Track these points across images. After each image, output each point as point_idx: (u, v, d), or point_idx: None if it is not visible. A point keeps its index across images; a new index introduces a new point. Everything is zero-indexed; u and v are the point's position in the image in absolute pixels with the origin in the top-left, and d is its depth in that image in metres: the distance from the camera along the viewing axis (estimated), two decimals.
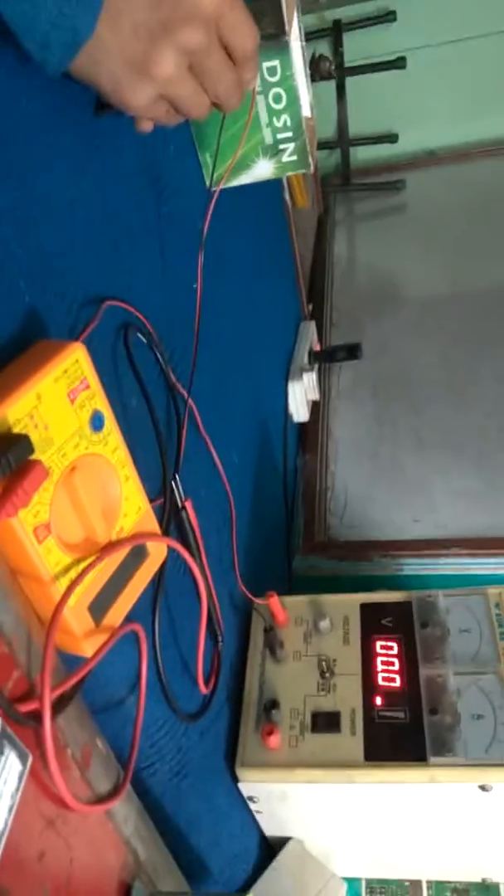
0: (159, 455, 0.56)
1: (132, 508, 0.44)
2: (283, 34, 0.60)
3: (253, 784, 0.67)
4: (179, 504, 0.57)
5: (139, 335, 0.54)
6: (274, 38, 0.60)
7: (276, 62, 0.61)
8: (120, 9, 0.37)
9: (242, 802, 0.70)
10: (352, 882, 0.79)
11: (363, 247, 1.97)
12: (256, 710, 0.70)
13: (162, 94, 0.42)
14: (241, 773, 0.66)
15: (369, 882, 0.80)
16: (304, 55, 0.66)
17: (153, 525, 0.47)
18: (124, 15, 0.38)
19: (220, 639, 0.65)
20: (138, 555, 0.46)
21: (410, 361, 1.48)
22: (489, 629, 0.70)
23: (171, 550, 0.52)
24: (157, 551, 0.47)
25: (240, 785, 0.67)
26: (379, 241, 1.92)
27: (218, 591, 0.69)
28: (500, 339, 1.47)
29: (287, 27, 0.60)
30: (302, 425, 1.31)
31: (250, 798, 0.69)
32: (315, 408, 1.34)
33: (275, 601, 0.74)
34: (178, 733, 0.58)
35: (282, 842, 0.75)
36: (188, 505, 0.58)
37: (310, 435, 1.31)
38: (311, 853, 0.74)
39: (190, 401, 0.62)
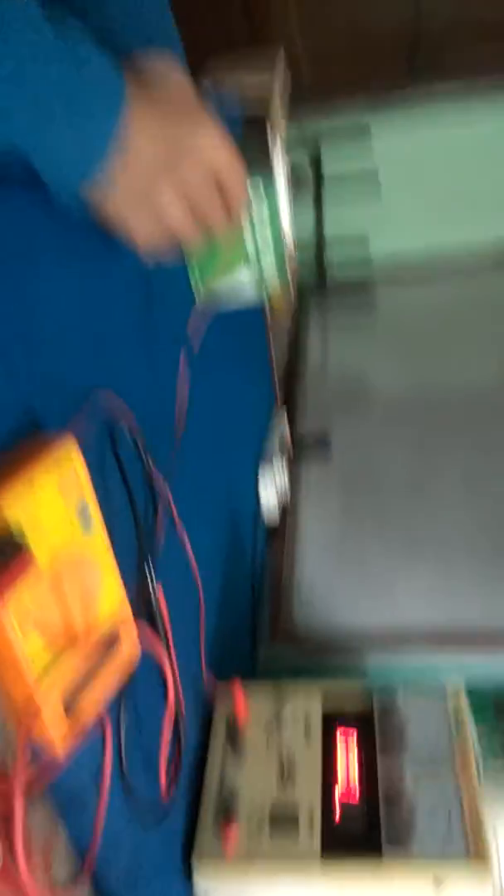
0: (137, 547, 0.59)
1: (111, 602, 0.47)
2: (270, 174, 0.68)
3: (209, 880, 0.67)
4: (152, 594, 0.60)
5: (124, 427, 0.58)
6: (262, 176, 0.68)
7: (264, 196, 0.68)
8: (128, 148, 0.44)
9: None
10: None
11: (336, 347, 2.07)
12: (216, 806, 0.70)
13: (160, 223, 0.48)
14: (198, 867, 0.66)
15: None
16: (287, 184, 0.74)
17: (129, 621, 0.49)
18: (131, 153, 0.44)
19: (181, 736, 0.66)
20: (112, 650, 0.48)
21: (377, 459, 1.54)
22: (446, 728, 0.73)
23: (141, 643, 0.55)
24: (131, 647, 0.50)
25: (195, 880, 0.67)
26: (351, 343, 2.03)
27: (182, 680, 0.71)
28: (464, 441, 1.54)
29: (274, 169, 0.68)
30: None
31: (206, 893, 0.68)
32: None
33: (238, 691, 0.76)
34: (137, 831, 0.59)
35: None
36: (160, 593, 0.60)
37: (278, 529, 1.34)
38: None
39: (167, 492, 0.65)
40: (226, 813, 0.69)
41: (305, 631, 1.14)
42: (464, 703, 0.75)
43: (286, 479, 1.34)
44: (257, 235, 0.72)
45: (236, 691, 0.76)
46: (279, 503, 1.31)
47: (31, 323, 0.47)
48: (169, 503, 0.67)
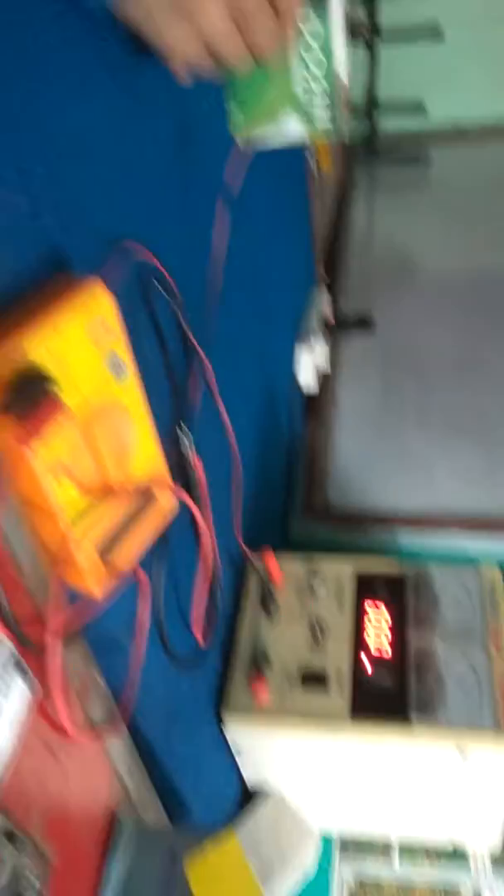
0: (172, 406, 0.57)
1: (145, 457, 0.45)
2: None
3: (238, 730, 0.69)
4: (188, 456, 0.58)
5: (156, 281, 0.54)
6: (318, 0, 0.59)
7: (317, 25, 0.60)
8: None
9: (227, 749, 0.72)
10: (326, 841, 0.82)
11: (383, 218, 1.95)
12: (247, 663, 0.72)
13: (199, 33, 0.42)
14: (228, 718, 0.68)
15: (343, 840, 0.82)
16: (345, 19, 0.65)
17: (164, 475, 0.48)
18: None
19: (216, 591, 0.66)
20: (148, 503, 0.47)
21: (422, 337, 1.48)
22: (479, 605, 0.72)
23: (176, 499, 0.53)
24: (166, 501, 0.48)
25: (226, 730, 0.69)
26: (399, 214, 1.90)
27: (217, 547, 0.71)
28: None
29: None
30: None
31: (235, 744, 0.71)
32: (323, 377, 1.35)
33: (271, 558, 0.76)
34: (172, 680, 0.60)
35: (261, 789, 0.77)
36: (195, 458, 0.59)
37: (316, 404, 1.31)
38: (290, 804, 0.76)
39: (202, 354, 0.62)
40: (256, 669, 0.70)
41: (339, 507, 1.14)
42: (499, 582, 0.74)
43: (325, 356, 1.30)
44: (309, 71, 0.64)
45: (269, 558, 0.76)
46: (317, 380, 1.27)
47: (53, 141, 0.41)
48: (204, 364, 0.64)
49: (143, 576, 0.50)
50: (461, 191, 1.91)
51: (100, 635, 0.49)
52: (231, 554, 0.76)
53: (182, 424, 0.58)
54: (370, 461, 1.22)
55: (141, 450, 0.45)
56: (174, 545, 0.59)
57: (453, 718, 0.64)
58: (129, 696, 0.49)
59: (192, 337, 0.61)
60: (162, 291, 0.55)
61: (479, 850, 0.79)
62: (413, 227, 1.83)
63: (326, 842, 0.81)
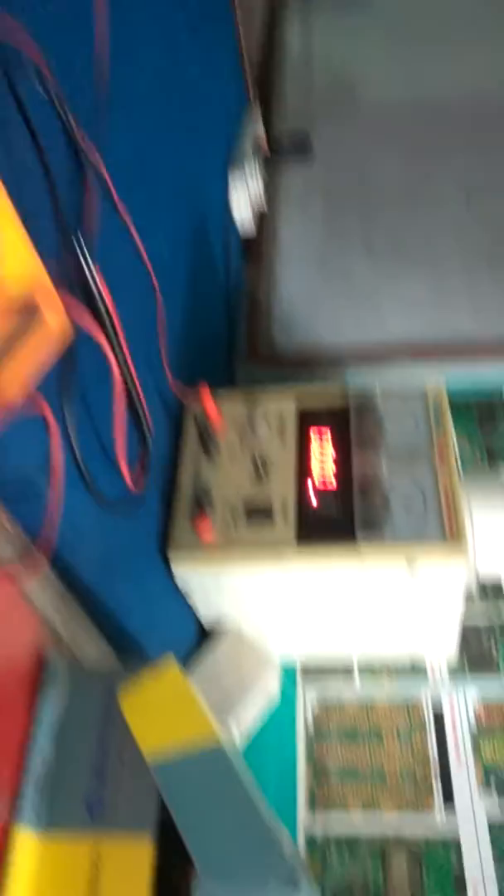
0: (56, 217, 0.49)
1: (16, 260, 0.39)
2: None
3: (186, 570, 0.68)
4: (88, 273, 0.51)
5: (24, 62, 0.45)
6: None
7: None
8: None
9: (178, 590, 0.71)
10: (287, 667, 0.84)
11: (320, 38, 1.75)
12: (189, 501, 0.69)
13: None
14: (174, 557, 0.66)
15: (304, 663, 0.84)
16: None
17: (47, 286, 0.41)
18: None
19: (147, 434, 0.62)
20: (31, 318, 0.41)
21: (365, 166, 1.37)
22: (425, 424, 0.69)
23: (81, 333, 0.47)
24: (55, 319, 0.42)
25: (173, 571, 0.68)
26: (338, 34, 1.71)
27: (146, 388, 0.65)
28: (459, 149, 1.35)
29: None
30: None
31: (184, 584, 0.70)
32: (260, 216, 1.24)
33: (207, 396, 0.71)
34: (106, 523, 0.57)
35: (218, 627, 0.77)
36: (97, 275, 0.52)
37: (254, 243, 1.22)
38: (248, 637, 0.77)
39: (98, 158, 0.54)
40: (199, 507, 0.67)
41: (284, 348, 1.08)
42: (444, 399, 0.70)
43: (261, 185, 1.19)
44: None
45: (205, 397, 0.71)
46: (254, 213, 1.17)
47: None
48: (101, 172, 0.55)
49: (46, 409, 0.45)
50: (405, 9, 1.71)
51: (10, 480, 0.45)
52: (163, 395, 0.71)
53: (78, 236, 0.51)
54: (315, 299, 1.15)
55: (10, 253, 0.38)
56: (89, 381, 0.53)
57: (400, 534, 0.63)
58: (48, 537, 0.46)
59: (80, 139, 0.52)
60: (31, 72, 0.46)
61: (437, 661, 0.81)
62: (354, 48, 1.64)
63: (288, 670, 0.82)
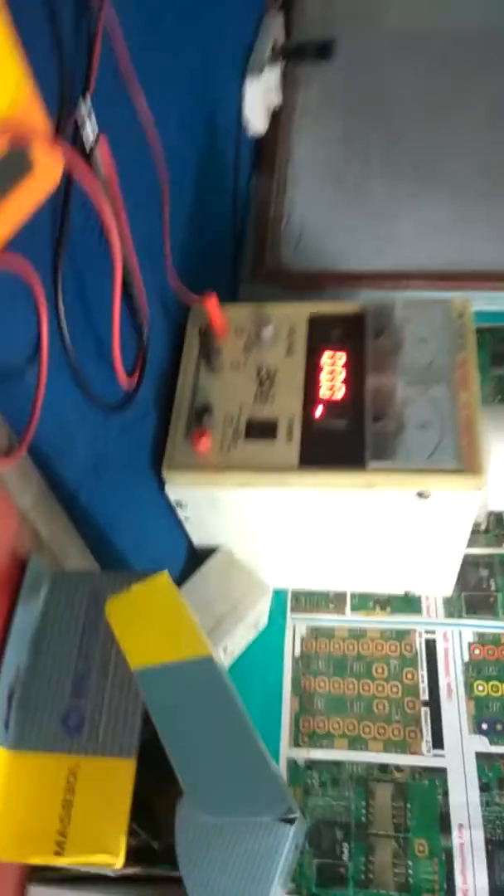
0: (57, 64, 0.42)
1: (4, 86, 0.32)
2: None
3: (180, 488, 0.63)
4: (88, 137, 0.45)
5: None
6: None
7: None
8: None
9: (170, 508, 0.67)
10: (279, 592, 0.81)
11: None
12: (187, 415, 0.64)
13: None
14: (168, 475, 0.62)
15: (296, 592, 0.81)
16: None
17: (41, 124, 0.35)
18: None
19: (144, 328, 0.56)
20: (18, 165, 0.35)
21: (390, 78, 1.27)
22: (447, 340, 0.64)
23: (76, 197, 0.41)
24: (46, 167, 0.36)
25: (167, 489, 0.63)
26: None
27: (147, 282, 0.60)
28: (488, 70, 1.26)
29: None
30: (258, 141, 1.13)
31: (178, 503, 0.66)
32: (275, 122, 1.16)
33: (213, 303, 0.65)
34: (94, 422, 0.52)
35: (211, 551, 0.74)
36: (102, 140, 0.46)
37: (267, 152, 1.14)
38: (240, 561, 0.73)
39: (112, 16, 0.46)
40: (198, 421, 0.63)
41: (293, 267, 1.02)
42: (470, 316, 0.65)
43: (277, 88, 1.10)
44: None
45: (210, 303, 0.66)
46: (268, 118, 1.09)
47: None
48: (114, 32, 0.48)
49: (35, 279, 0.40)
50: None
51: None
52: (164, 295, 0.65)
53: (85, 95, 0.44)
54: (328, 218, 1.08)
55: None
56: (82, 255, 0.47)
57: (413, 461, 0.58)
58: (32, 424, 0.41)
59: None
60: None
61: (433, 596, 0.78)
62: None
63: (279, 596, 0.79)
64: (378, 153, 1.16)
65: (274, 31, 1.12)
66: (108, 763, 0.39)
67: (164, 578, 0.42)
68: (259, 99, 1.04)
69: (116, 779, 0.38)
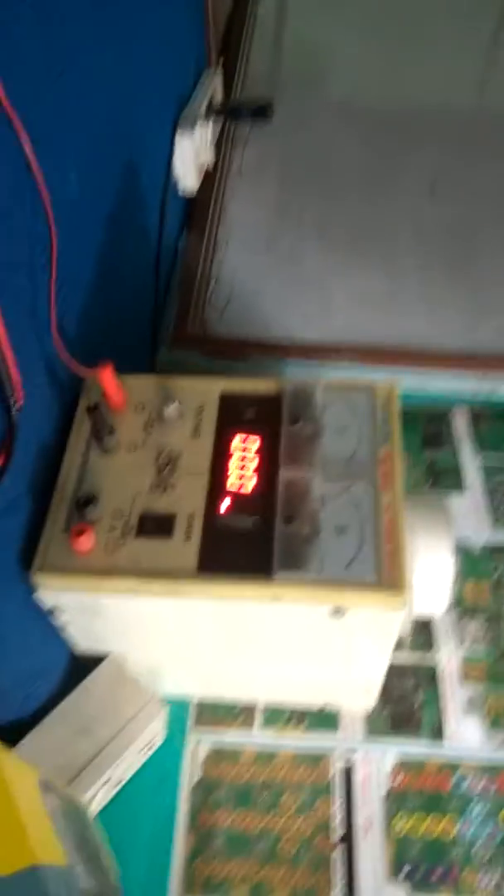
0: None
1: None
2: None
3: (55, 593, 0.53)
4: None
5: None
6: None
7: None
8: None
9: (43, 614, 0.56)
10: (180, 705, 0.70)
11: (294, 9, 1.63)
12: (69, 506, 0.55)
13: None
14: (40, 579, 0.52)
15: (199, 704, 0.71)
16: None
17: None
18: None
19: (14, 402, 0.47)
20: None
21: (329, 145, 1.25)
22: (370, 428, 0.57)
23: None
24: None
25: (38, 594, 0.53)
26: (313, 6, 1.59)
27: (28, 351, 0.51)
28: (433, 135, 1.26)
29: None
30: (190, 200, 1.08)
31: (54, 609, 0.56)
32: (209, 181, 1.11)
33: (108, 374, 0.57)
34: None
35: (98, 659, 0.63)
36: None
37: (198, 212, 1.08)
38: (131, 672, 0.63)
39: None
40: (81, 515, 0.53)
41: (217, 333, 0.95)
42: (395, 400, 0.58)
43: (210, 144, 1.06)
44: None
45: (105, 374, 0.57)
46: (200, 177, 1.04)
47: None
48: None
49: None
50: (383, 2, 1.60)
51: None
52: (51, 366, 0.56)
53: None
54: (259, 284, 1.02)
55: None
56: None
57: (327, 573, 0.50)
58: None
59: None
60: None
61: (353, 710, 0.69)
62: (326, 31, 1.52)
63: (180, 706, 0.69)
64: (313, 220, 1.12)
65: (212, 88, 1.08)
66: None
67: None
68: (190, 154, 0.98)
69: None
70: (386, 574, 0.50)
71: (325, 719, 0.69)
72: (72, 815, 0.48)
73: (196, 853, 0.63)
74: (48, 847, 0.32)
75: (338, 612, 0.51)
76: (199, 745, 0.68)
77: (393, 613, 0.50)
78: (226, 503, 0.54)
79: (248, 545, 0.52)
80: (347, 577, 0.50)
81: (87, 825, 0.52)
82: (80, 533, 0.51)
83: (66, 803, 0.48)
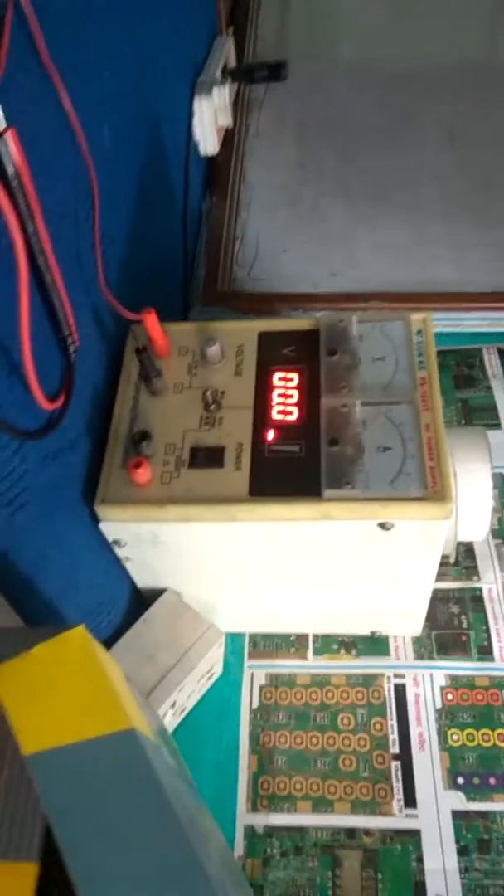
0: None
1: None
2: None
3: (117, 524, 0.57)
4: None
5: None
6: None
7: None
8: None
9: (108, 548, 0.60)
10: (235, 637, 0.74)
11: None
12: (124, 443, 0.58)
13: None
14: (102, 511, 0.55)
15: (253, 637, 0.74)
16: None
17: None
18: None
19: (70, 346, 0.50)
20: None
21: (344, 103, 1.26)
22: (406, 357, 0.59)
23: None
24: None
25: (101, 526, 0.57)
26: None
27: (78, 299, 0.54)
28: (447, 86, 1.26)
29: None
30: (211, 162, 1.10)
31: (116, 542, 0.59)
32: (228, 143, 1.13)
33: (152, 319, 0.60)
34: (7, 453, 0.45)
35: (158, 593, 0.67)
36: (10, 133, 0.40)
37: (220, 174, 1.10)
38: (190, 605, 0.66)
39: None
40: (136, 447, 0.56)
41: (247, 292, 0.97)
42: (431, 330, 0.60)
43: (229, 107, 1.07)
44: None
45: (150, 320, 0.60)
46: (219, 139, 1.06)
47: None
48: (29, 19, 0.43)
49: None
50: None
51: None
52: (99, 314, 0.59)
53: None
54: (283, 240, 1.04)
55: None
56: None
57: (374, 488, 0.53)
58: None
59: None
60: None
61: (402, 637, 0.72)
62: None
63: (235, 639, 0.72)
64: (333, 176, 1.13)
65: (225, 52, 1.10)
66: (6, 868, 0.31)
67: (78, 635, 0.35)
68: (209, 118, 1.00)
69: (16, 886, 0.31)
70: (430, 487, 0.52)
71: (375, 644, 0.72)
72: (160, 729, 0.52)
73: (260, 772, 0.67)
74: (141, 721, 0.35)
75: (385, 526, 0.53)
76: (255, 674, 0.72)
77: (438, 523, 0.53)
78: (272, 433, 0.57)
79: (295, 469, 0.55)
80: (393, 492, 0.52)
81: (168, 737, 0.56)
82: (137, 466, 0.55)
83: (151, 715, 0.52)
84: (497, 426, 0.86)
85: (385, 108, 1.24)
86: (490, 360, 0.92)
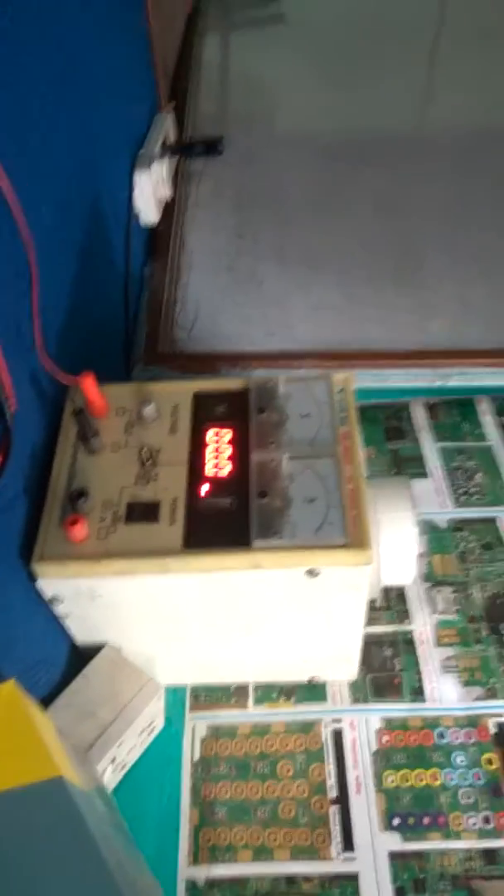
0: None
1: None
2: None
3: (55, 581, 0.58)
4: None
5: None
6: None
7: None
8: None
9: (46, 606, 0.61)
10: (176, 690, 0.75)
11: (237, 53, 1.75)
12: (62, 501, 0.60)
13: None
14: (40, 567, 0.57)
15: (194, 689, 0.75)
16: None
17: None
18: None
19: (7, 407, 0.53)
20: None
21: (279, 174, 1.34)
22: (329, 413, 0.63)
23: None
24: None
25: (39, 583, 0.58)
26: (255, 49, 1.71)
27: (13, 363, 0.57)
28: (374, 159, 1.36)
29: None
30: (152, 231, 1.15)
31: (54, 599, 0.60)
32: (168, 213, 1.19)
33: (89, 382, 0.63)
34: None
35: (96, 649, 0.68)
36: None
37: (160, 242, 1.16)
38: (129, 659, 0.68)
39: None
40: (73, 505, 0.59)
41: (187, 352, 1.02)
42: (351, 385, 0.65)
43: (167, 179, 1.14)
44: None
45: (87, 382, 0.63)
46: (160, 210, 1.11)
47: None
48: None
49: None
50: (320, 22, 1.74)
51: None
52: (39, 378, 0.62)
53: None
54: (222, 303, 1.09)
55: None
56: None
57: (299, 537, 0.56)
58: None
59: None
60: None
61: (338, 681, 0.75)
62: (270, 62, 1.65)
63: (177, 692, 0.73)
64: (269, 243, 1.20)
65: (165, 127, 1.17)
66: None
67: (7, 690, 0.37)
68: (148, 191, 1.06)
69: None
70: (352, 535, 0.56)
71: (313, 692, 0.74)
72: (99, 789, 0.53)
73: (202, 824, 0.67)
74: (70, 771, 0.37)
75: (312, 573, 0.56)
76: (196, 725, 0.73)
77: (361, 568, 0.56)
78: (205, 487, 0.60)
79: (227, 521, 0.58)
80: (318, 541, 0.56)
81: (106, 794, 0.56)
82: (74, 523, 0.57)
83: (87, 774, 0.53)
84: (424, 475, 0.91)
85: (317, 179, 1.33)
86: (416, 413, 0.97)
